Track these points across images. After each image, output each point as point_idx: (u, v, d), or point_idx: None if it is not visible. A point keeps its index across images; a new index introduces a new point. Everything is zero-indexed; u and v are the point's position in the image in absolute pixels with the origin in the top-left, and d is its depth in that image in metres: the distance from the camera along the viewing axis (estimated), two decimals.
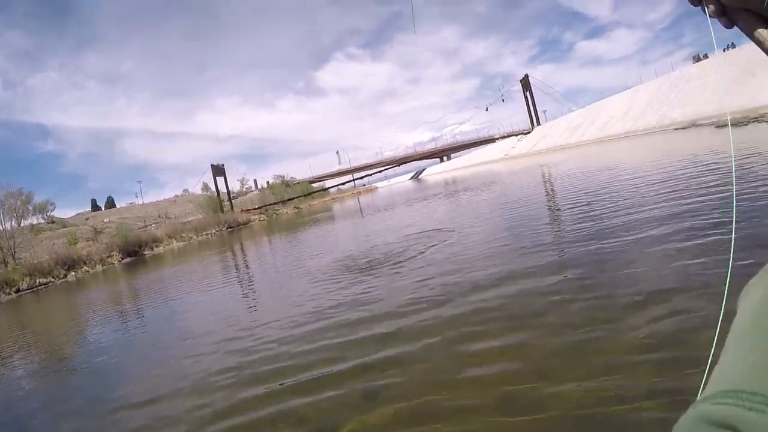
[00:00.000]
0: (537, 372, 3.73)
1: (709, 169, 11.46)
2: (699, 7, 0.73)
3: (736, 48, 48.48)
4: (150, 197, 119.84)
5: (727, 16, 0.70)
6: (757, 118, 28.31)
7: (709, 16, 0.71)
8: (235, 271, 16.72)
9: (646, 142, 32.49)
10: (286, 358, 5.43)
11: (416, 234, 12.64)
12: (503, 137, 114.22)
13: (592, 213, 9.51)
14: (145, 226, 67.63)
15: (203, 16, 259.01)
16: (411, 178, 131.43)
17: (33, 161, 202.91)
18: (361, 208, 33.41)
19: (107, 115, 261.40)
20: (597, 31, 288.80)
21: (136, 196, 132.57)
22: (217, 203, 79.46)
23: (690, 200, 8.29)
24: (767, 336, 0.34)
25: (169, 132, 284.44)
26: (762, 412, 0.29)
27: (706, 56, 62.69)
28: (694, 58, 71.63)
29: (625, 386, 3.17)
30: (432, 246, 10.15)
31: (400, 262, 9.28)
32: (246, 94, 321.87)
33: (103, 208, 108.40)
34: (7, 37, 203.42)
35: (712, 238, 5.84)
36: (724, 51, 53.12)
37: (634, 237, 6.84)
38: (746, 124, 27.00)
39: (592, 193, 12.37)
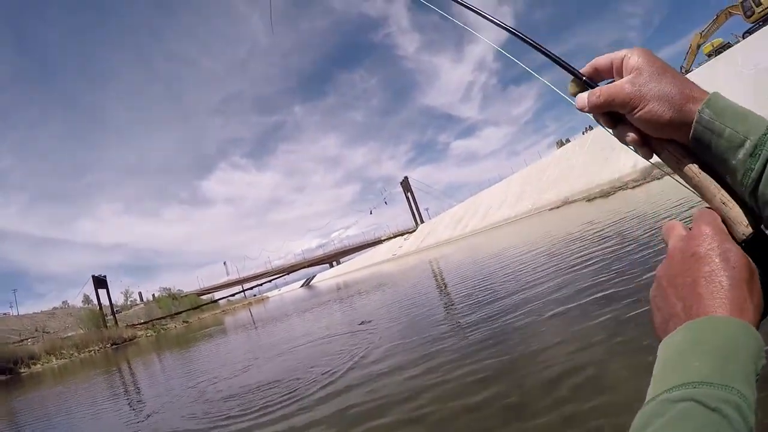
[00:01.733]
0: None
1: (581, 237, 13.81)
2: (612, 132, 0.77)
3: (593, 129, 55.53)
4: (26, 308, 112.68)
5: (648, 146, 0.72)
6: (622, 187, 34.61)
7: (629, 146, 0.74)
8: (124, 394, 14.56)
9: (525, 224, 36.13)
10: None
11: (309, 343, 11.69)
12: (390, 238, 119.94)
13: (486, 298, 9.53)
14: (21, 340, 64.20)
15: (86, 114, 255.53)
16: (302, 285, 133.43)
17: None
18: (253, 320, 33.66)
19: None
20: (468, 130, 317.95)
21: (11, 306, 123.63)
22: (100, 317, 76.35)
23: (571, 270, 9.11)
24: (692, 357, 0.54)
25: (49, 237, 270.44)
26: (695, 388, 0.49)
27: (568, 140, 71.33)
28: (557, 143, 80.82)
29: None
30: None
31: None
32: (129, 201, 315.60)
33: None
34: None
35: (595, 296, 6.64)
36: (583, 133, 60.78)
37: (527, 311, 7.21)
38: (614, 193, 32.31)
39: (484, 279, 12.44)
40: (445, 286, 15.17)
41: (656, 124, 0.68)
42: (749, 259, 0.59)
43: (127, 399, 12.42)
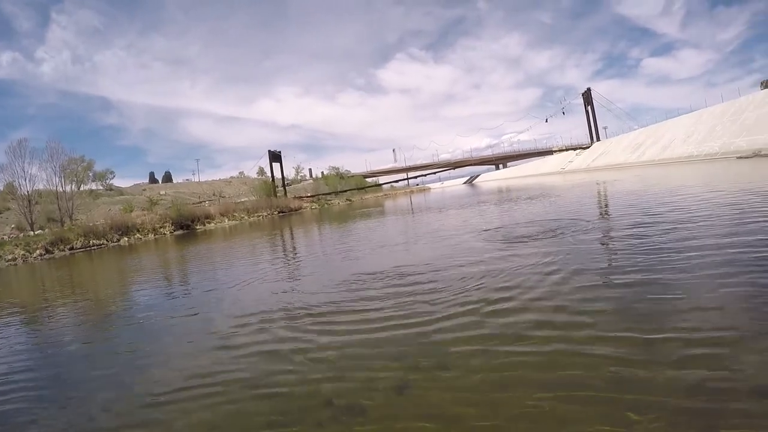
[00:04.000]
0: None
1: None
2: None
3: None
4: (206, 176, 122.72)
5: None
6: None
7: None
8: (282, 253, 16.12)
9: (708, 168, 29.65)
10: None
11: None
12: (561, 150, 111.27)
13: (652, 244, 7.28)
14: (200, 202, 68.64)
15: (269, 5, 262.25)
16: (465, 182, 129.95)
17: (95, 132, 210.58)
18: (412, 207, 32.43)
19: (171, 94, 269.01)
20: (664, 48, 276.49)
21: (193, 173, 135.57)
22: (271, 188, 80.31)
23: None
24: None
25: (230, 116, 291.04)
26: None
27: None
28: (762, 83, 67.03)
29: None
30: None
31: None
32: (308, 85, 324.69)
33: (160, 182, 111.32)
34: (77, 15, 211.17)
35: None
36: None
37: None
38: None
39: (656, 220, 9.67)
40: (608, 216, 12.85)
41: None
42: None
43: (284, 256, 14.01)
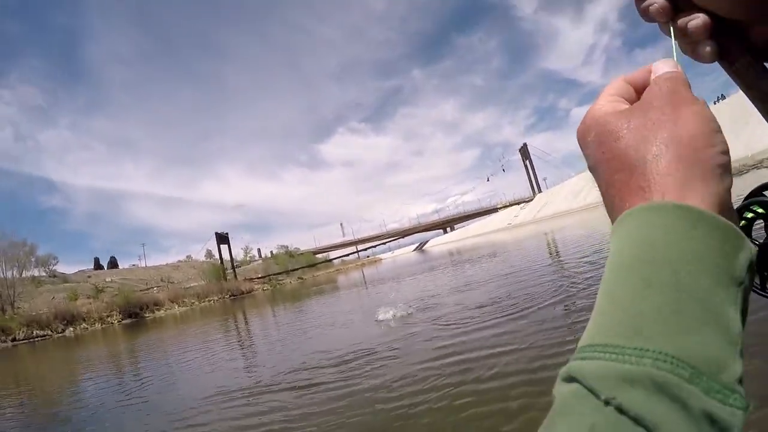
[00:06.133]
0: None
1: None
2: (664, 31, 0.49)
3: (726, 98, 50.53)
4: (153, 260, 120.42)
5: (716, 43, 0.45)
6: (756, 165, 28.97)
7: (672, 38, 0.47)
8: (236, 338, 15.90)
9: None
10: None
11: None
12: (506, 206, 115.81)
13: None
14: (147, 288, 67.17)
15: (210, 85, 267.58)
16: (415, 249, 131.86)
17: (38, 214, 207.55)
18: (365, 280, 32.82)
19: (114, 176, 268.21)
20: (590, 96, 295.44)
21: (139, 258, 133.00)
22: (220, 271, 79.36)
23: None
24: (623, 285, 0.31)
25: (175, 197, 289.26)
26: (590, 359, 0.28)
27: None
28: None
29: None
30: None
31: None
32: (250, 164, 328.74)
33: (105, 267, 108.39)
34: (21, 92, 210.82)
35: None
36: (714, 104, 53.99)
37: None
38: (746, 172, 27.78)
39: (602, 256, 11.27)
40: (559, 260, 13.94)
41: None
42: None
43: (239, 343, 13.65)
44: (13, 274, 51.88)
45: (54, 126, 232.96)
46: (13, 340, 36.04)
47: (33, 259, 68.09)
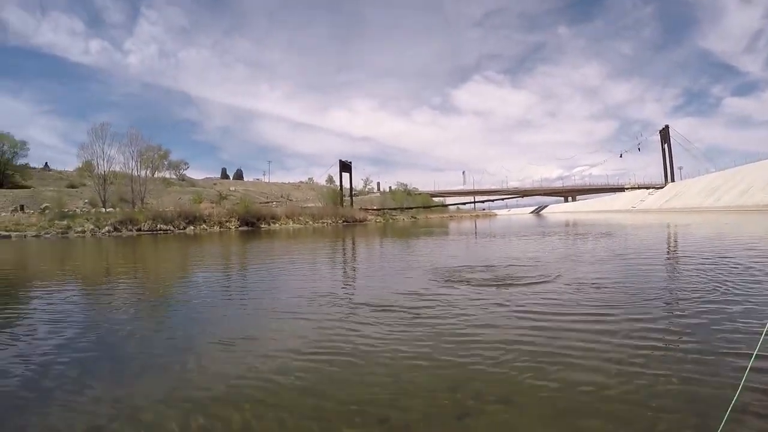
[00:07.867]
0: None
1: None
2: None
3: None
4: (276, 177, 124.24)
5: None
6: None
7: None
8: (342, 259, 15.26)
9: None
10: None
11: None
12: (633, 188, 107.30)
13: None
14: (268, 202, 69.30)
15: (348, 18, 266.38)
16: (532, 211, 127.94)
17: (174, 125, 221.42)
18: (476, 231, 30.76)
19: (249, 96, 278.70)
20: (747, 87, 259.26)
21: (264, 174, 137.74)
22: (338, 196, 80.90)
23: None
24: None
25: (304, 122, 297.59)
26: None
27: None
28: None
29: None
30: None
31: None
32: (383, 99, 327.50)
33: (231, 178, 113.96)
34: (166, 12, 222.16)
35: None
36: None
37: None
38: None
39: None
40: (676, 263, 10.64)
41: None
42: None
43: (342, 264, 13.56)
44: (146, 173, 55.62)
45: (195, 45, 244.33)
46: (139, 230, 38.30)
47: (166, 162, 72.53)
